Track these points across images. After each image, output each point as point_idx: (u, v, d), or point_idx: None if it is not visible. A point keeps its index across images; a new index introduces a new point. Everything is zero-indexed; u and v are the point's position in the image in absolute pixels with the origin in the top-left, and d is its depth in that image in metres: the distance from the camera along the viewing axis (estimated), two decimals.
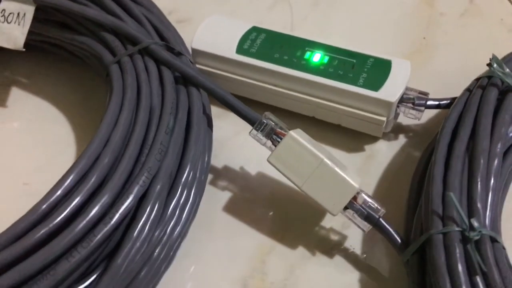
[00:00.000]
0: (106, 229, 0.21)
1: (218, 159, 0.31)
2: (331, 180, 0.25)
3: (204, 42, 0.32)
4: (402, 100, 0.30)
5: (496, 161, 0.24)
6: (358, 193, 0.25)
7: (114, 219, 0.21)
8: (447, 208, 0.23)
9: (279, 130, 0.26)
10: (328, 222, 0.28)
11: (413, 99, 0.30)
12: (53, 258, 0.20)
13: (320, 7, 0.40)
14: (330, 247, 0.27)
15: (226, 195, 0.29)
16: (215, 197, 0.29)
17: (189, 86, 0.28)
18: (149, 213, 0.22)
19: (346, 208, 0.25)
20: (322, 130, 0.32)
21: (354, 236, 0.27)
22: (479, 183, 0.23)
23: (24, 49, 0.30)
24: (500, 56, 0.29)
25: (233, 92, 0.33)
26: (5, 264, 0.20)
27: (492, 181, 0.24)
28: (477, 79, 0.29)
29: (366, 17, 0.39)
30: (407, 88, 0.30)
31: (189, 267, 0.27)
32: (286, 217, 0.28)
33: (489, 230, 0.22)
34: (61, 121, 0.33)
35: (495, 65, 0.27)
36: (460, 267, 0.21)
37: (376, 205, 0.25)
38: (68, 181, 0.22)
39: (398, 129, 0.32)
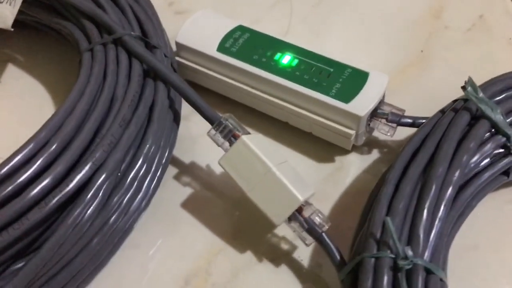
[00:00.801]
0: (41, 212, 0.22)
1: (186, 155, 0.31)
2: (277, 190, 0.24)
3: (188, 37, 0.32)
4: (375, 115, 0.29)
5: (449, 190, 0.23)
6: (304, 205, 0.25)
7: (50, 204, 0.22)
8: (385, 232, 0.22)
9: (237, 133, 0.26)
10: (281, 230, 0.28)
11: (387, 115, 0.29)
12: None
13: (321, 9, 0.39)
14: (279, 255, 0.27)
15: (187, 191, 0.30)
16: (176, 192, 0.29)
17: (157, 81, 0.28)
18: (90, 201, 0.23)
19: (290, 219, 0.25)
20: (296, 137, 0.31)
21: (305, 248, 0.27)
22: (425, 210, 0.23)
23: (12, 29, 0.31)
24: None
25: (213, 89, 0.33)
26: None
27: (441, 210, 0.23)
28: (454, 101, 0.27)
29: (366, 24, 0.38)
30: (383, 103, 0.29)
31: (137, 257, 0.27)
32: (242, 220, 0.28)
33: (426, 261, 0.22)
34: (47, 100, 0.34)
35: (469, 88, 0.26)
36: None
37: (320, 220, 0.25)
38: (14, 160, 0.22)
39: (373, 144, 0.31)
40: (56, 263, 0.23)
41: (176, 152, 0.31)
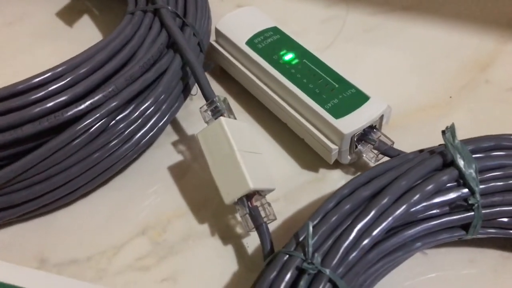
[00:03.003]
0: (57, 119, 0.26)
1: (190, 128, 0.34)
2: (233, 172, 0.26)
3: (227, 26, 0.35)
4: (364, 139, 0.30)
5: (387, 221, 0.24)
6: (255, 194, 0.26)
7: (65, 115, 0.26)
8: (307, 236, 0.23)
9: (224, 114, 0.29)
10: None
11: (374, 142, 0.30)
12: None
13: (370, 35, 0.40)
14: (230, 236, 0.29)
15: (177, 158, 0.33)
16: (168, 155, 0.33)
17: (176, 53, 0.31)
18: (97, 119, 0.27)
19: (239, 202, 0.27)
20: (290, 140, 0.33)
21: (255, 238, 0.29)
22: (355, 230, 0.23)
23: None
24: None
25: (235, 78, 0.36)
26: None
27: (371, 237, 0.23)
28: (440, 145, 0.27)
29: (407, 58, 0.38)
30: (376, 130, 0.30)
31: (114, 197, 0.31)
32: (212, 197, 0.31)
33: (335, 274, 0.22)
34: None
35: (447, 134, 0.26)
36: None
37: (266, 213, 0.26)
38: (47, 75, 0.27)
39: (360, 167, 0.32)
40: (58, 163, 0.27)
41: (183, 124, 0.34)
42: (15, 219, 0.29)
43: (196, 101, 0.35)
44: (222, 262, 0.28)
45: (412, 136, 0.33)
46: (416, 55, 0.39)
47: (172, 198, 0.31)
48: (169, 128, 0.34)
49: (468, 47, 0.39)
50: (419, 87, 0.36)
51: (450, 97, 0.36)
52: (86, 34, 0.41)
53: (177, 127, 0.34)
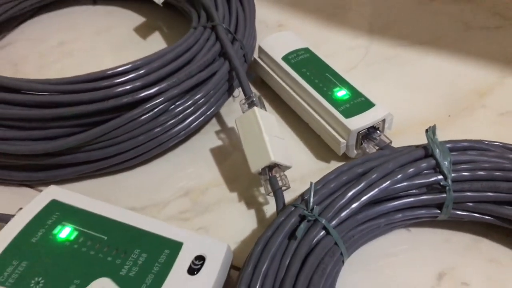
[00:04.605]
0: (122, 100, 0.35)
1: (232, 123, 0.42)
2: (260, 148, 0.34)
3: (268, 44, 0.44)
4: (368, 137, 0.37)
5: (374, 191, 0.31)
6: (275, 167, 0.34)
7: (135, 97, 0.35)
8: (309, 193, 0.31)
9: (258, 106, 0.37)
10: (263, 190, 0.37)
11: (376, 140, 0.37)
12: None
13: (390, 64, 0.48)
14: (253, 203, 0.37)
15: (218, 143, 0.41)
16: (211, 140, 0.41)
17: (226, 60, 0.40)
18: (161, 102, 0.36)
19: (263, 172, 0.34)
20: (310, 136, 0.41)
21: (273, 208, 0.36)
22: (349, 194, 0.30)
23: (162, 5, 0.46)
24: None
25: (272, 86, 0.44)
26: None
27: (360, 201, 0.30)
28: None
29: (418, 83, 0.46)
30: (378, 131, 0.37)
31: (167, 167, 0.39)
32: (243, 174, 0.38)
33: (329, 224, 0.29)
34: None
35: (429, 132, 0.33)
36: (284, 229, 0.29)
37: (282, 182, 0.34)
38: (128, 66, 0.36)
39: None
40: (129, 132, 0.36)
41: (225, 118, 0.43)
42: (91, 173, 0.38)
43: (237, 102, 0.44)
44: (245, 221, 0.35)
45: (411, 143, 0.39)
46: (425, 80, 0.46)
47: (211, 172, 0.39)
48: (214, 120, 0.43)
49: (471, 77, 0.46)
50: (423, 105, 0.43)
51: (449, 116, 0.43)
52: (155, 46, 0.50)
53: (220, 120, 0.43)
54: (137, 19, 0.53)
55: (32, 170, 0.37)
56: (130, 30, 0.52)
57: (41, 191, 0.37)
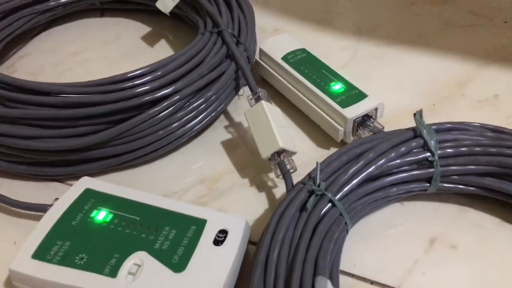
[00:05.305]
0: (139, 100, 0.39)
1: (238, 117, 0.47)
2: (269, 135, 0.39)
3: (268, 46, 0.49)
4: (363, 124, 0.42)
5: (371, 167, 0.35)
6: (283, 152, 0.38)
7: (146, 98, 0.39)
8: (316, 171, 0.35)
9: (264, 100, 0.41)
10: (273, 175, 0.42)
11: (370, 126, 0.41)
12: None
13: (377, 61, 0.53)
14: (263, 186, 0.41)
15: (228, 136, 0.45)
16: (221, 134, 0.45)
17: (232, 61, 0.44)
18: (177, 100, 0.40)
19: (272, 158, 0.39)
20: (311, 127, 0.45)
21: (281, 189, 0.40)
22: (350, 171, 0.35)
23: (168, 14, 0.51)
24: None
25: (273, 86, 0.49)
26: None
27: (360, 177, 0.35)
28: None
29: (404, 76, 0.51)
30: (372, 119, 0.42)
31: (182, 159, 0.43)
32: (253, 161, 0.43)
33: (335, 198, 0.34)
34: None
35: (417, 116, 0.37)
36: (296, 203, 0.33)
37: (290, 165, 0.38)
38: (144, 70, 0.40)
39: None
40: (149, 127, 0.40)
41: (233, 114, 0.47)
42: (115, 167, 0.42)
43: (241, 100, 0.48)
44: (257, 202, 0.40)
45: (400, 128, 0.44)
46: (410, 75, 0.51)
47: (223, 162, 0.43)
48: (222, 116, 0.47)
49: (451, 70, 0.51)
50: (410, 96, 0.48)
51: (433, 104, 0.47)
52: (162, 52, 0.55)
53: (228, 116, 0.47)
54: (143, 28, 0.58)
55: (62, 166, 0.41)
56: (138, 39, 0.56)
57: (70, 185, 0.41)
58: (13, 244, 0.37)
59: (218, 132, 0.46)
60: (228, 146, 0.44)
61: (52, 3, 0.55)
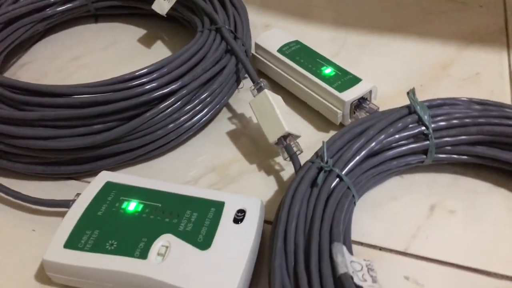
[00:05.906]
0: (147, 97, 0.41)
1: (240, 109, 0.49)
2: (274, 121, 0.41)
3: (263, 40, 0.51)
4: (359, 106, 0.45)
5: (373, 143, 0.38)
6: (289, 136, 0.41)
7: (154, 95, 0.41)
8: (323, 150, 0.38)
9: (267, 89, 0.44)
10: (280, 159, 0.44)
11: (366, 108, 0.44)
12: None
13: (365, 48, 0.56)
14: (271, 170, 0.43)
15: (232, 127, 0.48)
16: (225, 126, 0.48)
17: (232, 56, 0.47)
18: (184, 95, 0.42)
19: (279, 142, 0.41)
20: (310, 112, 0.48)
21: (288, 172, 0.43)
22: (354, 147, 0.38)
23: (165, 15, 0.53)
24: None
25: (271, 77, 0.51)
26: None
27: (363, 152, 0.38)
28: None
29: (393, 61, 0.54)
30: (367, 101, 0.45)
31: (191, 150, 0.45)
32: (260, 148, 0.45)
33: (342, 173, 0.37)
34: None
35: (410, 94, 0.40)
36: (307, 179, 0.36)
37: (296, 147, 0.41)
38: (149, 68, 0.43)
39: None
40: (159, 122, 0.42)
41: (234, 106, 0.50)
42: (129, 162, 0.44)
43: (242, 93, 0.51)
44: (267, 185, 0.42)
45: None
46: (397, 60, 0.54)
47: (231, 151, 0.45)
48: (224, 109, 0.49)
49: (434, 53, 0.54)
50: (399, 79, 0.52)
51: (421, 85, 0.51)
52: (160, 53, 0.57)
53: (230, 109, 0.49)
54: (139, 31, 0.60)
55: (78, 163, 0.43)
56: (135, 41, 0.59)
57: (86, 182, 0.43)
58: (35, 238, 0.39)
59: (222, 124, 0.48)
60: (233, 136, 0.47)
61: (49, 11, 0.57)
